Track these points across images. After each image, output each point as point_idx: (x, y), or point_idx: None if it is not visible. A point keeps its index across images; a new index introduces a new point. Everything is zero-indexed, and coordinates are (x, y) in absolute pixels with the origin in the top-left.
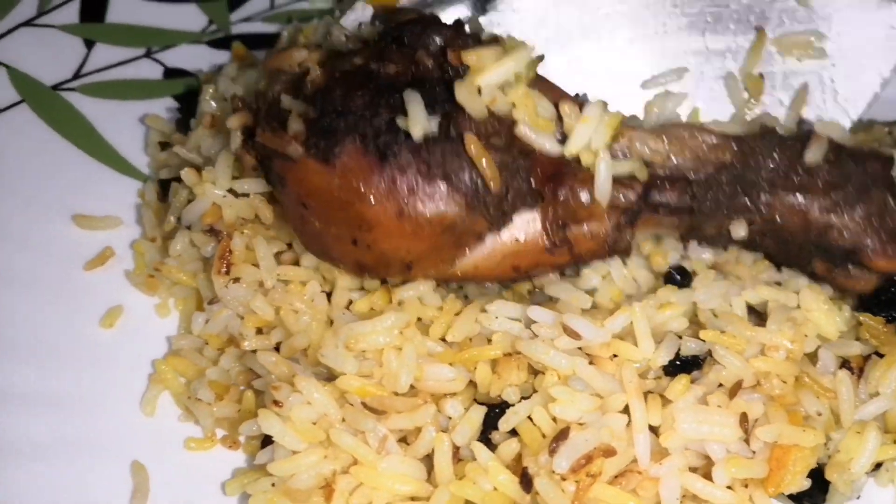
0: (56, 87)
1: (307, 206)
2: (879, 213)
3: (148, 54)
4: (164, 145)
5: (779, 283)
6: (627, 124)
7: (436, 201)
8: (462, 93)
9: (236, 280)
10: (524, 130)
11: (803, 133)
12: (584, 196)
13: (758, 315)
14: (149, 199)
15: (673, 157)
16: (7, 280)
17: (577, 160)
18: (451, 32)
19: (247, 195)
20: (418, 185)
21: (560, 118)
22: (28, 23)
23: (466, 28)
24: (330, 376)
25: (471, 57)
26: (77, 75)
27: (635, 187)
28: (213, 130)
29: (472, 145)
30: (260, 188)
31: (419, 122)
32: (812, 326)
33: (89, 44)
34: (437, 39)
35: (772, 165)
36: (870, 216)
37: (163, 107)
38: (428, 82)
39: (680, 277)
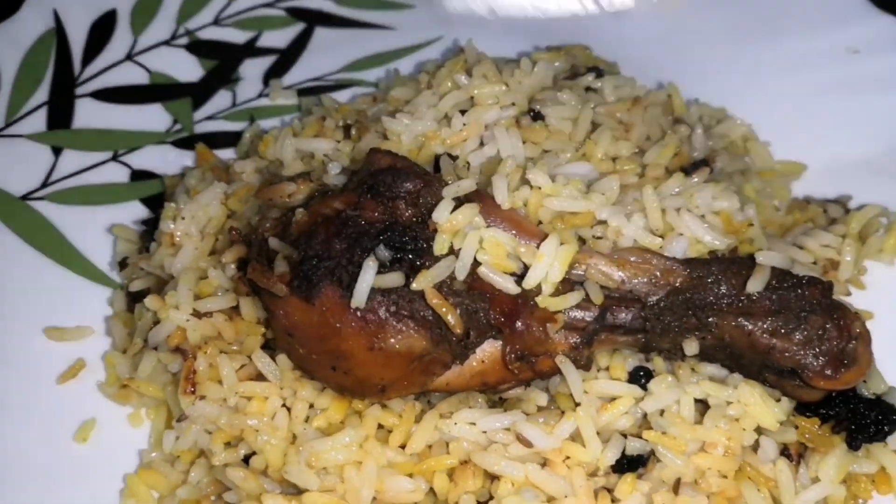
0: (25, 197)
1: (292, 335)
2: (819, 337)
3: (115, 157)
4: (125, 263)
5: (723, 379)
6: (585, 251)
7: (403, 337)
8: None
9: (202, 398)
10: (485, 272)
11: (749, 259)
12: (539, 333)
13: (705, 405)
14: (118, 308)
15: (627, 281)
16: None
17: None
18: (419, 182)
19: (209, 314)
20: (387, 323)
21: None
22: None
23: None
24: (298, 490)
25: (444, 226)
26: (46, 184)
27: (592, 310)
28: (174, 249)
29: (433, 298)
30: (221, 305)
31: (362, 292)
32: (750, 420)
33: (57, 151)
34: (409, 186)
35: (718, 290)
36: (809, 339)
37: (131, 211)
38: (398, 230)
39: (643, 378)
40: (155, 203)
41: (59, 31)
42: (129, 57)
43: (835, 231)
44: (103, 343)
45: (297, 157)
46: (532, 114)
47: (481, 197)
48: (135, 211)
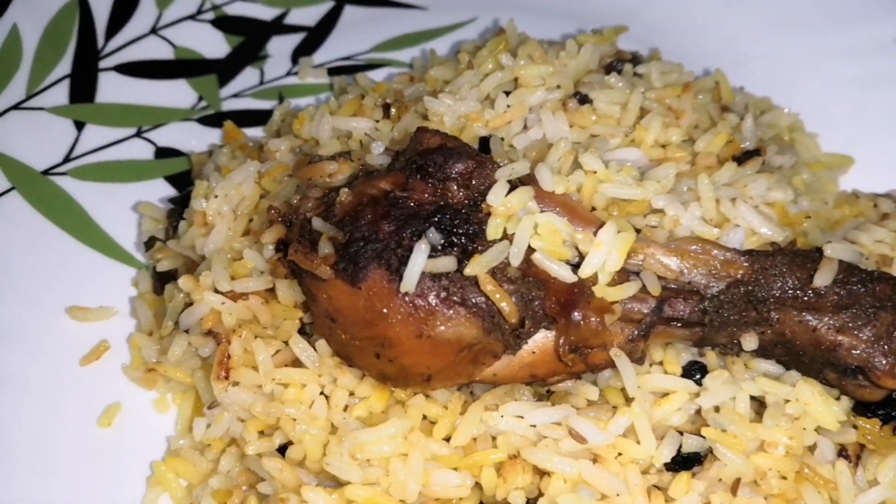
0: (47, 172)
1: (335, 320)
2: (887, 334)
3: (139, 133)
4: (151, 242)
5: (777, 375)
6: (642, 240)
7: (453, 325)
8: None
9: (236, 384)
10: (540, 259)
11: (814, 252)
12: (595, 323)
13: (760, 403)
14: (143, 289)
15: (686, 273)
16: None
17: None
18: (472, 163)
19: (244, 296)
20: (437, 310)
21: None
22: (17, 106)
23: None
24: (336, 482)
25: (498, 209)
26: (68, 158)
27: (649, 301)
28: (206, 229)
29: (488, 284)
30: (257, 287)
31: (412, 276)
32: (810, 420)
33: (79, 125)
34: (460, 167)
35: (782, 284)
36: (878, 337)
37: (155, 189)
38: (450, 212)
39: (697, 374)
40: (180, 181)
41: (82, 2)
42: (154, 31)
43: (888, 226)
44: (127, 324)
45: (333, 137)
46: (578, 97)
47: (534, 181)
48: (159, 189)
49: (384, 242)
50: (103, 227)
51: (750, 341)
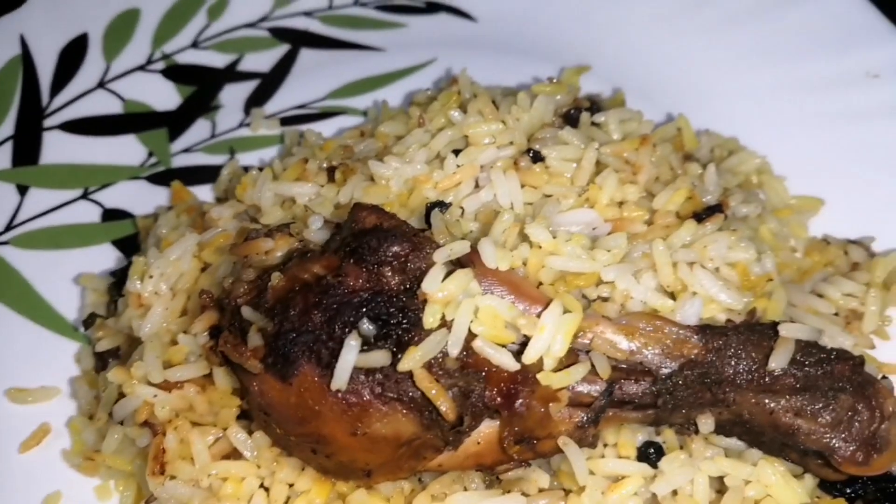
0: None
1: (268, 414)
2: (848, 419)
3: (85, 195)
4: (91, 319)
5: (739, 452)
6: (591, 316)
7: (390, 422)
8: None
9: (173, 478)
10: (481, 346)
11: (770, 330)
12: (541, 413)
13: (721, 480)
14: (85, 367)
15: (637, 352)
16: None
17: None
18: (408, 245)
19: (179, 385)
20: (372, 407)
21: None
22: None
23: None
24: None
25: (435, 296)
26: (10, 226)
27: (598, 384)
28: (142, 310)
29: (423, 381)
30: (192, 374)
31: (343, 372)
32: (772, 502)
33: (23, 189)
34: (396, 249)
35: (736, 364)
36: (838, 421)
37: (102, 254)
38: (384, 300)
39: (653, 455)
40: (128, 245)
41: (25, 58)
42: (102, 84)
43: (857, 279)
44: (69, 405)
45: (276, 203)
46: (531, 154)
47: (476, 257)
48: (106, 254)
49: (314, 334)
50: (47, 299)
51: (706, 423)
